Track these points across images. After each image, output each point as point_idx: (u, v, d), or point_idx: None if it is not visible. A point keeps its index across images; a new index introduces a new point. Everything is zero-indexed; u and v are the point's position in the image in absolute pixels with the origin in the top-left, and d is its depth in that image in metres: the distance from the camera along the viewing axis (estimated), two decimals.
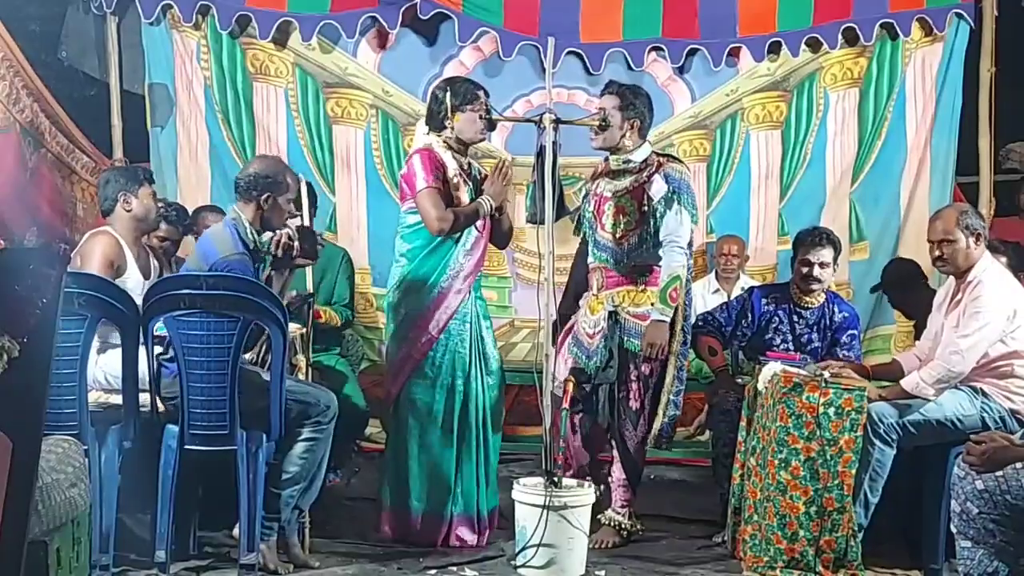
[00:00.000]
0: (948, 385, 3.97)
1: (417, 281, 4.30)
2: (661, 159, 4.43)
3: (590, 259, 4.48)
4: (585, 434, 4.45)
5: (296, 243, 3.97)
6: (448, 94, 4.29)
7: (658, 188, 4.31)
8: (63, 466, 2.99)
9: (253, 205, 3.94)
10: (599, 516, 4.35)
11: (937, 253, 4.10)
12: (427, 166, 4.23)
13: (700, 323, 4.70)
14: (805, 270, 4.60)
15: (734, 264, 5.86)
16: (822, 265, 4.59)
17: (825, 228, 4.81)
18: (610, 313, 4.36)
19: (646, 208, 4.32)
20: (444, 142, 4.33)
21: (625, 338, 4.33)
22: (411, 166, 4.27)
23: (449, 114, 4.29)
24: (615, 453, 4.44)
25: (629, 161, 4.38)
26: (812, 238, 4.62)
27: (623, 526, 4.43)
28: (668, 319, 4.27)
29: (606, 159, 4.50)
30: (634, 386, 4.37)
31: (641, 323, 4.31)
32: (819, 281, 4.61)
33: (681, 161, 4.62)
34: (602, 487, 4.36)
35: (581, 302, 4.53)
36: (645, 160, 4.39)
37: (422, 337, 4.29)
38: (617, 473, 4.45)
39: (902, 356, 4.49)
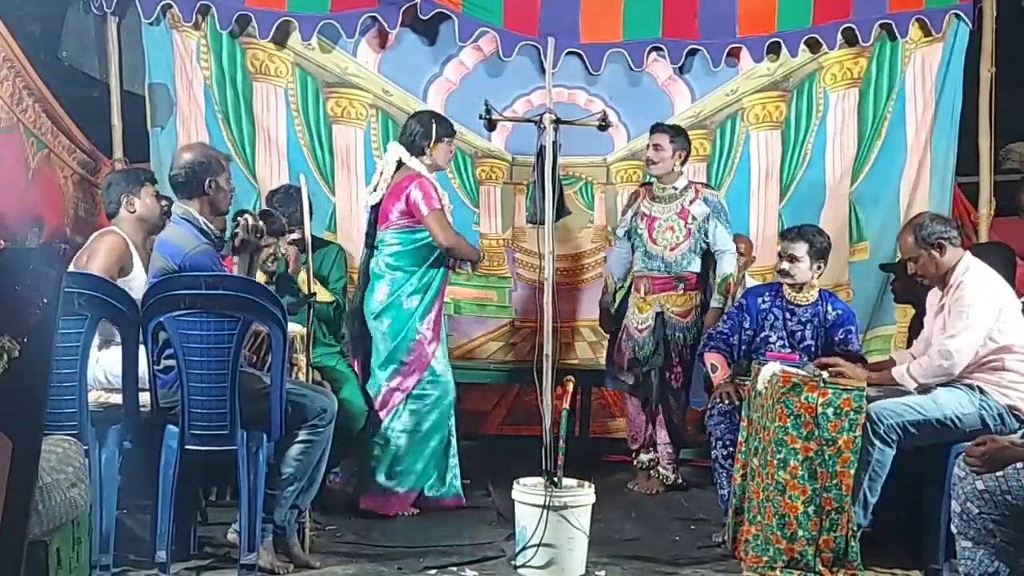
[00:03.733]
0: (933, 383, 4.01)
1: (403, 310, 4.80)
2: (697, 185, 5.43)
3: (638, 267, 5.41)
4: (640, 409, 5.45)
5: (262, 223, 4.00)
6: (434, 123, 4.82)
7: (701, 211, 5.31)
8: (63, 466, 3.00)
9: (197, 196, 3.91)
10: (650, 471, 5.44)
11: (911, 270, 4.18)
12: (430, 191, 4.73)
13: (706, 339, 4.92)
14: (777, 263, 4.79)
15: (741, 263, 5.88)
16: (791, 259, 4.67)
17: (803, 224, 4.85)
18: (657, 314, 5.31)
19: (691, 227, 5.29)
20: (427, 168, 4.80)
21: (670, 332, 5.31)
22: (414, 193, 4.70)
23: (432, 142, 4.78)
24: (661, 419, 5.39)
25: (675, 188, 5.34)
26: (787, 232, 4.80)
27: (668, 479, 5.42)
28: (723, 307, 5.22)
29: (648, 184, 5.46)
30: (676, 370, 5.33)
31: (683, 320, 5.32)
32: (789, 275, 4.69)
33: (711, 187, 5.65)
34: (652, 450, 5.46)
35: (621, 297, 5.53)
36: (685, 187, 5.35)
37: (413, 372, 4.82)
38: (664, 437, 5.40)
39: (897, 355, 4.54)
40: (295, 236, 4.80)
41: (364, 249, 4.98)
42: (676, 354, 5.32)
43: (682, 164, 5.34)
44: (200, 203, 3.91)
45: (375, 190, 4.89)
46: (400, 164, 4.84)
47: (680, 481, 5.46)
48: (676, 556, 4.29)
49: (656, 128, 5.37)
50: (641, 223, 5.37)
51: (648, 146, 5.37)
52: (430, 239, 4.78)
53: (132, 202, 4.08)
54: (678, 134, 5.34)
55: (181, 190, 3.92)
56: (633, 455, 5.54)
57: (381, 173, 4.89)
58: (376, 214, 4.89)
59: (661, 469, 5.44)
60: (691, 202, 5.32)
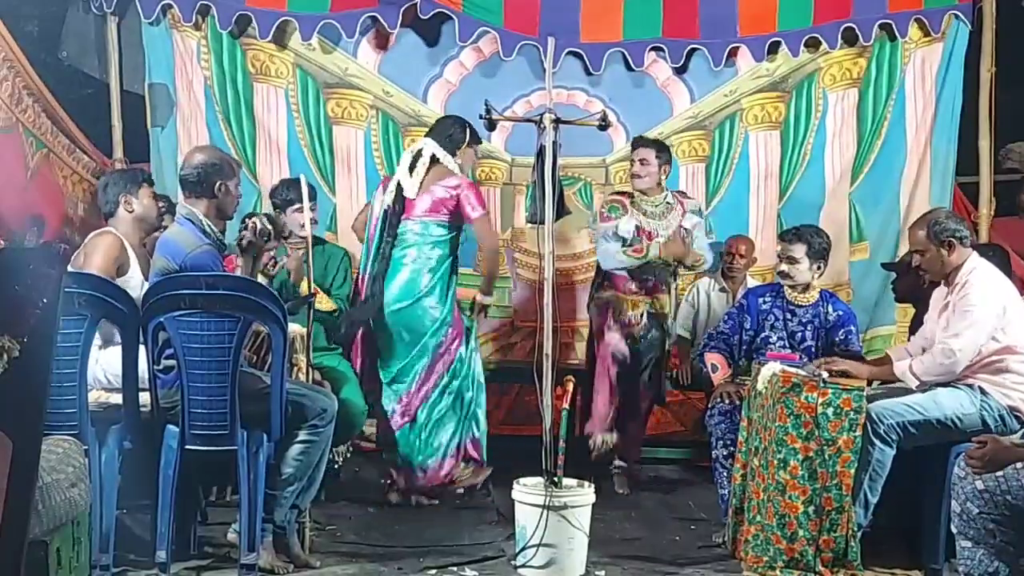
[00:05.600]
0: (934, 381, 4.01)
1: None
2: (677, 196, 5.47)
3: (627, 270, 5.35)
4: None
5: (270, 227, 4.01)
6: (468, 129, 4.99)
7: (692, 222, 5.39)
8: (63, 466, 3.00)
9: (205, 197, 3.91)
10: (612, 467, 5.42)
11: (916, 262, 4.19)
12: (480, 194, 4.96)
13: (706, 339, 4.94)
14: (776, 265, 4.81)
15: (741, 264, 5.89)
16: (789, 260, 4.69)
17: (801, 225, 4.85)
18: (649, 313, 5.38)
19: (684, 239, 5.34)
20: (458, 168, 4.96)
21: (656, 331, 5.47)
22: (465, 194, 4.87)
23: (464, 146, 4.97)
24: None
25: (668, 203, 5.37)
26: (785, 234, 4.81)
27: (637, 470, 5.54)
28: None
29: (631, 195, 5.35)
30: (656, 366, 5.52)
31: (664, 321, 5.47)
32: (788, 276, 4.70)
33: (687, 195, 5.64)
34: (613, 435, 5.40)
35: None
36: (671, 201, 5.39)
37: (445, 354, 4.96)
38: (633, 429, 5.46)
39: (893, 350, 4.54)
40: (306, 220, 4.82)
41: (385, 238, 4.93)
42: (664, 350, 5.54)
43: (666, 178, 5.38)
44: (207, 205, 3.91)
45: (411, 180, 4.91)
46: (433, 161, 4.91)
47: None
48: (676, 556, 4.29)
49: (640, 143, 5.38)
50: (640, 236, 5.33)
51: (633, 161, 5.36)
52: (455, 235, 4.92)
53: (130, 202, 4.08)
54: (663, 149, 5.38)
55: (189, 190, 3.92)
56: (596, 435, 5.39)
57: (420, 167, 4.91)
58: (402, 205, 4.92)
59: (619, 461, 5.44)
60: (682, 215, 5.37)
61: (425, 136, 5.06)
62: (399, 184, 4.94)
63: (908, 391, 4.07)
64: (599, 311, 5.48)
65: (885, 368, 4.18)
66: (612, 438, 5.40)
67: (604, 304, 5.45)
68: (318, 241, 5.11)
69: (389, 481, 5.08)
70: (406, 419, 4.97)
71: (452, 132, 4.97)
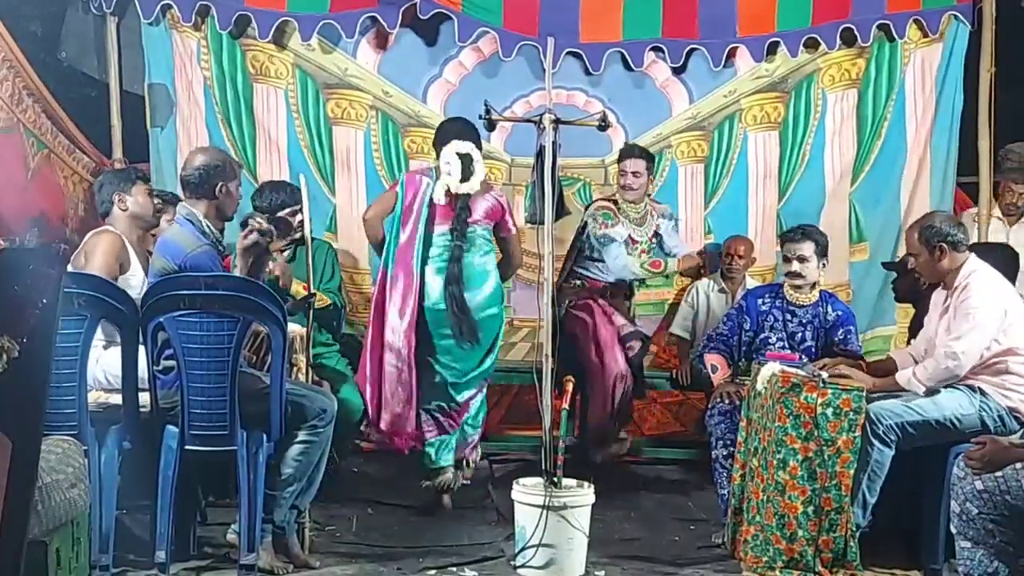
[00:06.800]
0: (940, 384, 3.99)
1: None
2: (651, 201, 5.60)
3: (616, 278, 5.47)
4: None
5: (272, 226, 4.00)
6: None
7: (664, 226, 5.56)
8: (63, 466, 3.00)
9: (206, 198, 3.91)
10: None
11: (910, 265, 4.22)
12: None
13: (706, 340, 4.97)
14: (785, 265, 4.79)
15: (740, 264, 5.88)
16: (800, 259, 4.69)
17: (804, 224, 4.86)
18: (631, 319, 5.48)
19: (657, 243, 5.54)
20: None
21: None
22: (507, 210, 4.80)
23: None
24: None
25: (647, 210, 5.48)
26: (790, 234, 4.81)
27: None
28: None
29: (615, 202, 5.43)
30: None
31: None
32: (800, 276, 4.70)
33: (656, 200, 5.74)
34: None
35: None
36: (648, 206, 5.51)
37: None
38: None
39: (896, 353, 4.55)
40: (298, 219, 4.78)
41: (453, 241, 4.66)
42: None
43: (652, 185, 5.50)
44: (207, 206, 3.92)
45: (471, 185, 4.69)
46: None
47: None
48: (676, 556, 4.30)
49: (630, 154, 5.42)
50: (633, 245, 5.46)
51: (624, 172, 5.40)
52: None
53: (124, 200, 4.10)
54: (651, 159, 5.46)
55: (190, 191, 3.92)
56: (598, 456, 5.36)
57: (479, 174, 4.70)
58: (468, 211, 4.68)
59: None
60: (656, 219, 5.53)
61: (460, 140, 4.73)
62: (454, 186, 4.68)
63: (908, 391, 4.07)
64: (586, 322, 5.33)
65: (888, 379, 4.15)
66: (613, 448, 5.43)
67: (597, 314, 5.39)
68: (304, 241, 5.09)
69: (440, 486, 4.83)
70: (456, 424, 4.83)
71: (475, 136, 4.82)
